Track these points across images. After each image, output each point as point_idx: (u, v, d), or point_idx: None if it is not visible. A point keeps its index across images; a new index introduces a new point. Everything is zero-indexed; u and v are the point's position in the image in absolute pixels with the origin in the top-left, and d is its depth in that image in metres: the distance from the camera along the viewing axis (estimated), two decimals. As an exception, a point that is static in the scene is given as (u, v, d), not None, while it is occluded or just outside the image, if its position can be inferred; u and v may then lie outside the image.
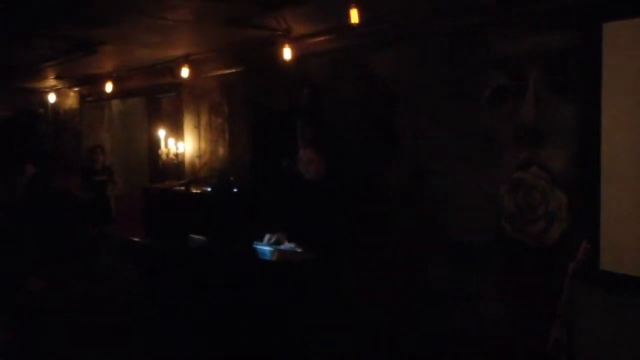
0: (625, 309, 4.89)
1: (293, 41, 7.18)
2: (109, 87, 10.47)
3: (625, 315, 4.89)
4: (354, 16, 5.75)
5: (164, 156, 10.51)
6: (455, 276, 5.98)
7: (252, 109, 9.05)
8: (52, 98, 12.92)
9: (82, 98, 13.20)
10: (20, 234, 9.05)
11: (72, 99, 13.37)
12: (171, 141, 10.51)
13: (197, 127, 10.19)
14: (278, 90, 8.50)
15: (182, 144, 10.40)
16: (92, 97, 12.90)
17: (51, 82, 12.12)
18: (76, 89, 12.95)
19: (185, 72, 8.79)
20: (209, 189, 8.85)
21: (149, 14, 6.40)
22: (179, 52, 8.67)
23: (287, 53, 7.16)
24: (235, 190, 8.46)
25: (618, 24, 4.85)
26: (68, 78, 11.67)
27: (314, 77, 7.92)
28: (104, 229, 10.09)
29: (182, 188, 9.14)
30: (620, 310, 4.92)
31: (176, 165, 10.46)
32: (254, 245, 5.44)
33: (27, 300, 7.68)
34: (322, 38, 7.23)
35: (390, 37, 6.79)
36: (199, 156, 10.17)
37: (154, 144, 11.15)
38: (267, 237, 5.52)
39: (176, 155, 10.42)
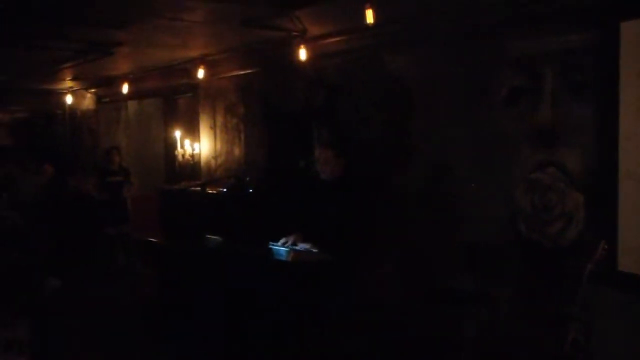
0: (643, 310, 4.87)
1: (308, 42, 7.18)
2: (125, 88, 10.52)
3: (643, 316, 4.86)
4: (370, 17, 5.74)
5: (180, 157, 10.55)
6: (471, 277, 5.96)
7: (268, 110, 9.06)
8: (69, 99, 13.01)
9: (98, 99, 13.29)
10: (38, 234, 9.11)
11: (88, 100, 13.46)
12: (187, 142, 10.54)
13: (213, 127, 10.21)
14: (294, 90, 8.50)
15: (198, 145, 10.43)
16: (108, 98, 12.98)
17: (68, 83, 12.20)
18: (93, 90, 13.03)
19: (201, 73, 8.82)
20: (225, 190, 8.87)
21: (165, 15, 6.43)
22: (195, 53, 8.70)
23: (302, 54, 7.17)
24: (250, 190, 8.47)
25: (636, 23, 4.82)
26: (85, 79, 11.74)
27: (330, 78, 7.92)
28: (120, 230, 10.14)
29: (198, 189, 9.16)
30: (638, 311, 4.89)
31: (192, 166, 10.50)
32: (270, 246, 5.44)
33: (44, 301, 7.73)
34: (337, 39, 7.23)
35: (406, 37, 6.77)
36: (215, 157, 10.19)
37: (170, 144, 11.19)
38: (283, 239, 5.52)
39: (192, 156, 10.45)
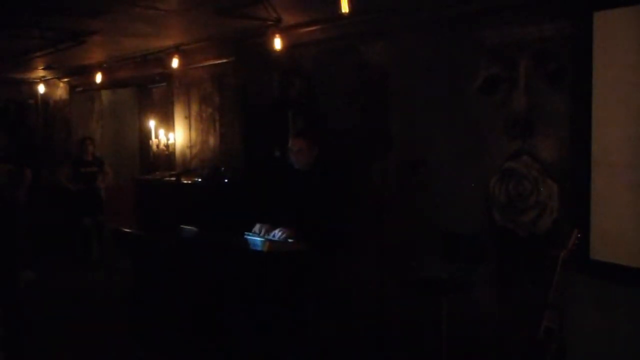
0: (615, 297, 4.93)
1: (284, 31, 7.15)
2: (99, 77, 10.42)
3: (615, 303, 4.92)
4: (345, 5, 5.72)
5: (154, 147, 10.48)
6: (448, 266, 5.99)
7: (244, 99, 9.02)
8: (41, 89, 12.84)
9: (71, 88, 13.12)
10: (12, 226, 9.01)
11: (61, 90, 13.30)
12: (162, 132, 10.48)
13: (188, 117, 10.16)
14: (269, 80, 8.47)
15: (173, 135, 10.37)
16: (82, 88, 12.82)
17: (40, 72, 12.05)
18: (66, 79, 12.87)
19: (175, 63, 8.75)
20: (200, 180, 8.83)
21: (139, 3, 6.36)
22: (169, 42, 8.63)
23: (277, 43, 7.14)
24: (226, 180, 8.44)
25: (609, 13, 4.85)
26: (57, 68, 11.60)
27: (306, 67, 7.90)
28: (95, 221, 10.06)
29: (173, 179, 9.11)
30: (610, 299, 4.95)
31: (167, 156, 10.43)
32: (245, 236, 5.43)
33: (18, 294, 7.66)
34: (313, 28, 7.21)
35: (382, 26, 6.77)
36: (190, 147, 10.14)
37: (145, 134, 11.11)
38: (257, 226, 5.50)
39: (167, 146, 10.39)
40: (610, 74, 4.85)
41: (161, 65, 9.74)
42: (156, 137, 10.48)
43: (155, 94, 11.24)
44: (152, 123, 10.57)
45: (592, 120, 4.94)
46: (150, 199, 9.63)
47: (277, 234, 5.26)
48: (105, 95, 13.18)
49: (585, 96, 4.98)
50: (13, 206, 9.19)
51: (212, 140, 9.71)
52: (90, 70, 10.75)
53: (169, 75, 10.23)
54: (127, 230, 7.09)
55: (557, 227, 5.34)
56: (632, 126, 4.71)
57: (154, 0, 6.28)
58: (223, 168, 8.79)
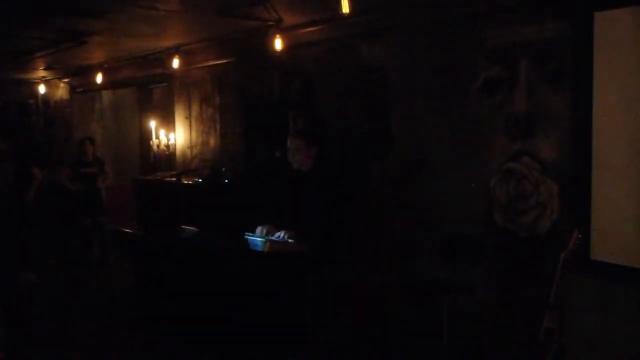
0: (616, 298, 4.92)
1: (284, 31, 7.16)
2: (99, 77, 10.43)
3: (616, 304, 4.92)
4: (345, 6, 5.73)
5: (155, 147, 10.49)
6: (448, 267, 5.99)
7: (244, 100, 9.03)
8: (42, 89, 12.86)
9: (72, 89, 13.14)
10: (14, 227, 9.02)
11: (62, 90, 13.32)
12: (162, 132, 10.48)
13: (189, 118, 10.17)
14: (270, 80, 8.48)
15: (174, 135, 10.38)
16: (82, 88, 12.84)
17: (41, 73, 12.07)
18: (66, 79, 12.88)
19: (176, 63, 8.76)
20: (201, 180, 8.83)
21: (140, 4, 6.37)
22: (170, 42, 8.64)
23: (278, 43, 7.15)
24: (226, 181, 8.44)
25: (609, 13, 4.85)
26: (58, 69, 11.61)
27: (306, 68, 7.90)
28: (96, 221, 10.06)
29: (174, 179, 9.11)
30: (611, 299, 4.95)
31: (168, 156, 10.44)
32: (245, 236, 5.43)
33: (19, 294, 7.67)
34: (313, 28, 7.21)
35: (383, 27, 6.77)
36: (191, 147, 10.15)
37: (145, 135, 11.12)
38: (258, 228, 5.51)
39: (167, 146, 10.39)
40: (610, 74, 4.84)
41: (162, 65, 9.75)
42: (157, 137, 10.49)
43: (155, 94, 11.24)
44: (152, 123, 10.58)
45: (593, 121, 4.94)
46: (150, 199, 9.62)
47: (277, 234, 5.27)
48: (105, 95, 13.19)
49: (585, 96, 4.98)
50: (20, 206, 9.22)
51: (212, 141, 9.72)
52: (90, 71, 10.76)
53: (169, 76, 10.24)
54: (127, 230, 7.09)
55: (557, 227, 5.34)
56: (632, 126, 4.71)
57: (154, 0, 6.29)
58: (223, 168, 8.79)
